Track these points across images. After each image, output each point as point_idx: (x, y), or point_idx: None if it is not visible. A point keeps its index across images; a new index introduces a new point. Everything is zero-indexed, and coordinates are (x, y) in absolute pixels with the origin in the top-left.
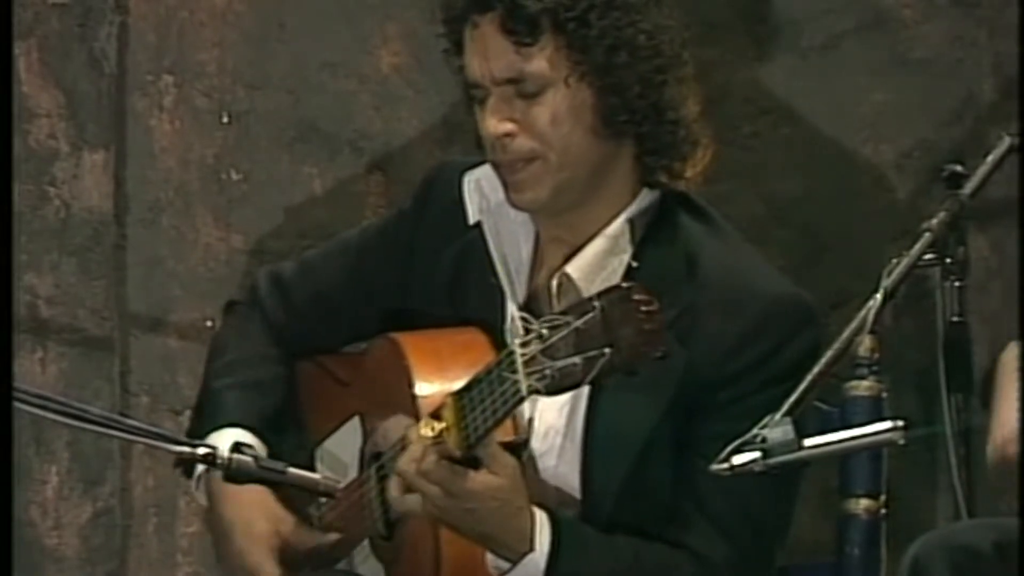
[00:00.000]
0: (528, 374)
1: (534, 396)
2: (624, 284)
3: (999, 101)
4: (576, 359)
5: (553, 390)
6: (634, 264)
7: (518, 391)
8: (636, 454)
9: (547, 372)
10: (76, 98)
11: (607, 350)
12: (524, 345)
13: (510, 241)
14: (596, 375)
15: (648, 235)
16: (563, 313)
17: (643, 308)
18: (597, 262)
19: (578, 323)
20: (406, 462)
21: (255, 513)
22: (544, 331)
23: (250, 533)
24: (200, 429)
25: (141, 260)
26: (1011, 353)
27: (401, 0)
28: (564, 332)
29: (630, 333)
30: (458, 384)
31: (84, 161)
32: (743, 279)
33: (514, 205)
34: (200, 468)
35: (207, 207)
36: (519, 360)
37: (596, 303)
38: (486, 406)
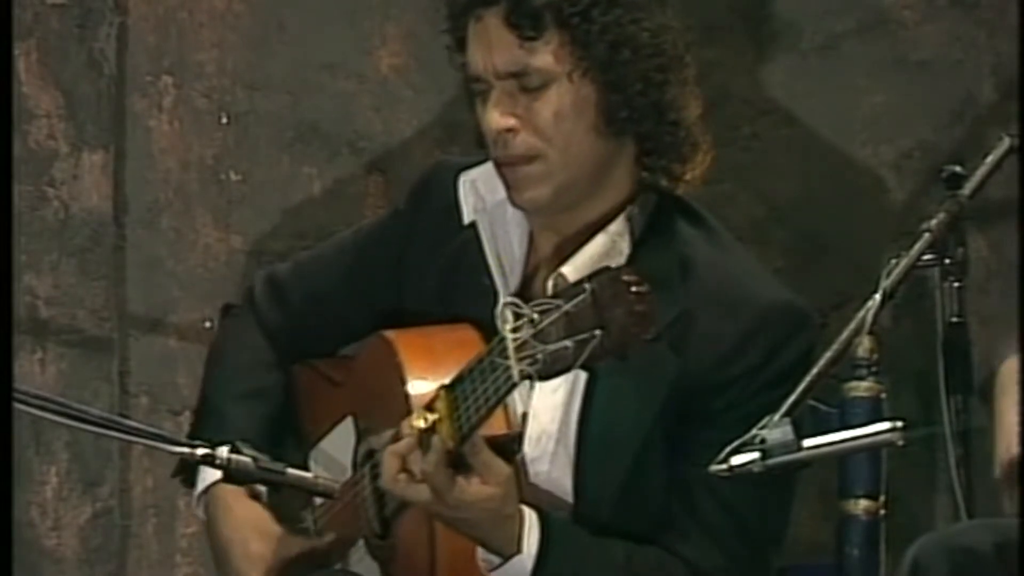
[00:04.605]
0: (520, 359)
1: (528, 396)
2: (614, 266)
3: (999, 102)
4: (567, 342)
5: (545, 375)
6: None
7: (510, 377)
8: (629, 459)
9: (538, 356)
10: (75, 99)
11: (598, 332)
12: (515, 330)
13: (504, 242)
14: (587, 358)
15: (643, 238)
16: (554, 297)
17: (633, 289)
18: (593, 264)
19: (568, 306)
20: (396, 463)
21: (250, 533)
22: (535, 316)
23: (247, 554)
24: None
25: (140, 261)
26: (1009, 367)
27: (401, 1)
28: (555, 316)
29: (621, 315)
30: None
31: (83, 162)
32: (737, 284)
33: (515, 204)
34: (200, 486)
35: (206, 208)
36: (510, 345)
37: (587, 286)
38: (478, 395)
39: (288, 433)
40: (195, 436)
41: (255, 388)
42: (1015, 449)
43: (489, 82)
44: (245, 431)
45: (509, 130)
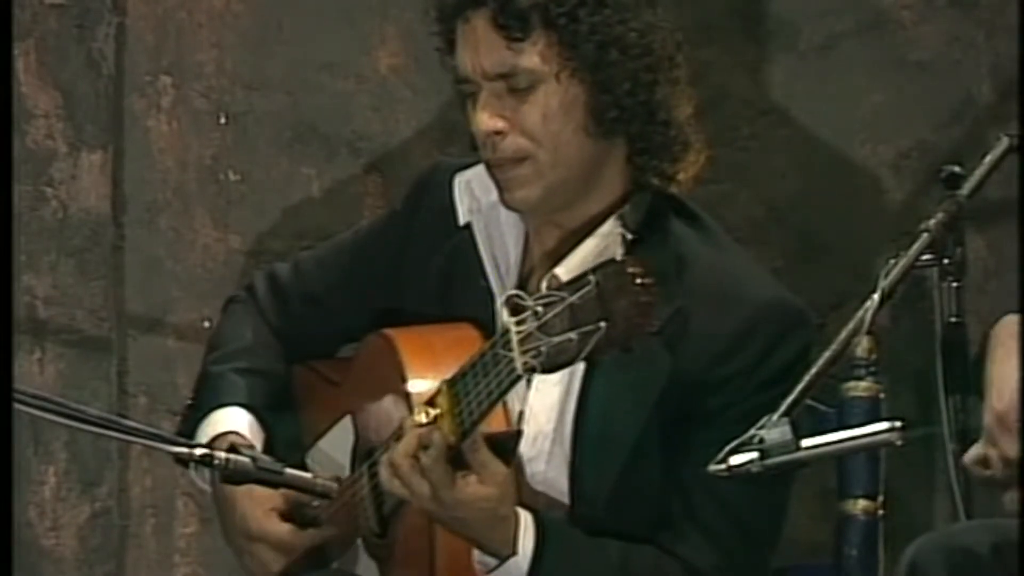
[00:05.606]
0: (523, 351)
1: (525, 396)
2: (618, 258)
3: (997, 102)
4: (572, 334)
5: (549, 367)
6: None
7: (513, 369)
8: (626, 458)
9: (542, 349)
10: (74, 99)
11: (603, 324)
12: (520, 323)
13: (499, 243)
14: (592, 350)
15: (638, 238)
16: (558, 289)
17: (638, 280)
18: (586, 264)
19: (573, 298)
20: (401, 455)
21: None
22: (539, 308)
23: (252, 496)
24: (200, 409)
25: (139, 261)
26: (1005, 322)
27: (399, 1)
28: (559, 308)
29: (625, 306)
30: None
31: (82, 162)
32: (733, 282)
33: (506, 205)
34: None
35: (205, 208)
36: (514, 338)
37: (591, 277)
38: (480, 389)
39: (289, 416)
40: (191, 406)
41: (258, 368)
42: (1006, 399)
43: (478, 83)
44: (247, 399)
45: (498, 132)
